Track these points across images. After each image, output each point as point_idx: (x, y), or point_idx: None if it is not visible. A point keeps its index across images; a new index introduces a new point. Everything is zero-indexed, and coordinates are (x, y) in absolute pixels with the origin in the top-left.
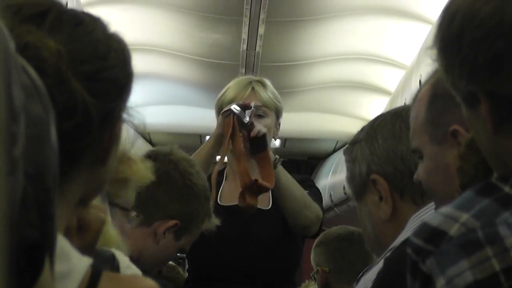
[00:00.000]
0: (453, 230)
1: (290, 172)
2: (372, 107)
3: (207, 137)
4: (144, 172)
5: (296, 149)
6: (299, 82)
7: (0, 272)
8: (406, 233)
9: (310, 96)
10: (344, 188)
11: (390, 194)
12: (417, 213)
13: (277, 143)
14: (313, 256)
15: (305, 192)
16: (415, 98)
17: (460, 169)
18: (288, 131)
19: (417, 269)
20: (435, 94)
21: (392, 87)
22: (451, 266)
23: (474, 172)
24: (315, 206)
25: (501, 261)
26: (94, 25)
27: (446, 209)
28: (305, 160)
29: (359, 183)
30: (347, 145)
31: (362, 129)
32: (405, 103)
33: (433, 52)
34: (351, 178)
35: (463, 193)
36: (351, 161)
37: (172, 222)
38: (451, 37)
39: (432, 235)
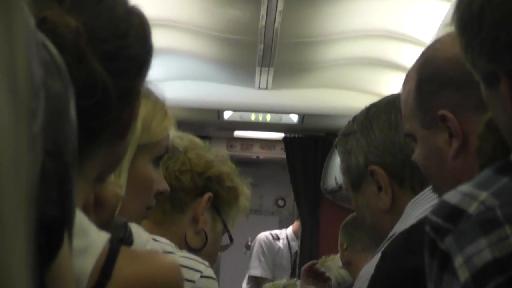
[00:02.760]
0: (472, 208)
1: (308, 148)
2: (391, 84)
3: (225, 113)
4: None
5: (314, 125)
6: (318, 58)
7: (22, 247)
8: (404, 219)
9: (329, 72)
10: None
11: (390, 184)
12: (414, 199)
13: (295, 118)
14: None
15: None
16: (404, 81)
17: (479, 149)
18: (307, 107)
19: (435, 247)
20: (421, 78)
21: (410, 64)
22: (469, 245)
23: (492, 152)
24: None
25: None
26: (115, 1)
27: (465, 187)
28: (323, 136)
29: (356, 174)
30: (339, 137)
31: (354, 120)
32: None
33: (452, 30)
34: (346, 169)
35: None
36: (345, 153)
37: None
38: (471, 16)
39: (451, 213)
